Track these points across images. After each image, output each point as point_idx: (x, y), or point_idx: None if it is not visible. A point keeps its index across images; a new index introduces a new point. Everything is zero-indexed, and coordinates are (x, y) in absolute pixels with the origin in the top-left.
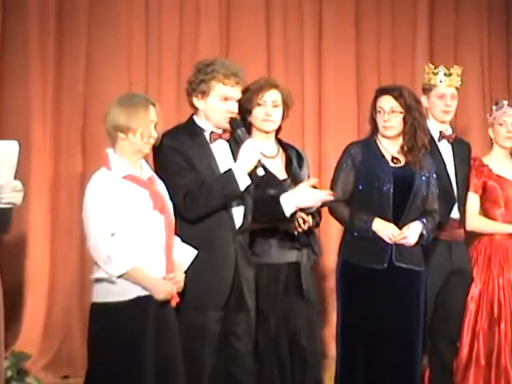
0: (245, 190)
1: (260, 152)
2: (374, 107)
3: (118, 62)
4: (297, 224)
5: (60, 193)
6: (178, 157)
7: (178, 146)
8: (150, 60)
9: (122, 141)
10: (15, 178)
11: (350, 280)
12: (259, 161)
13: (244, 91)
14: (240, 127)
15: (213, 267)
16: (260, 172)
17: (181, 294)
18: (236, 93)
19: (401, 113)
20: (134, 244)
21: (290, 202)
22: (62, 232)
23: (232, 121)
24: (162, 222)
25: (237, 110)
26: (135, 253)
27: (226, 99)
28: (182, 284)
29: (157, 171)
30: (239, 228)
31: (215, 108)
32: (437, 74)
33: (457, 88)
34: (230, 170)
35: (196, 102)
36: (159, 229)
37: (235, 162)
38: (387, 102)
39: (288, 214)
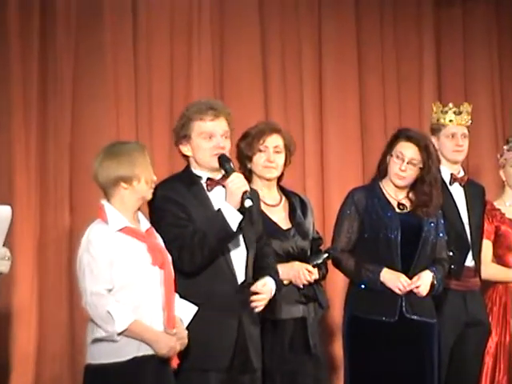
0: (238, 226)
1: (246, 182)
2: (391, 149)
3: (105, 110)
4: (302, 277)
5: (47, 250)
6: (174, 207)
7: (174, 195)
8: (140, 107)
9: (124, 191)
10: (4, 244)
11: (358, 335)
12: (245, 192)
13: (243, 137)
14: (228, 162)
15: (214, 324)
16: (247, 203)
17: (181, 354)
18: (219, 126)
19: (420, 168)
20: (132, 301)
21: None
22: (50, 295)
23: (220, 157)
24: (161, 277)
25: (226, 145)
26: (133, 310)
27: (210, 136)
28: (186, 341)
29: (152, 224)
30: (242, 282)
31: (200, 148)
32: (446, 112)
33: (467, 126)
34: (219, 211)
35: (183, 149)
36: (158, 284)
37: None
38: (409, 151)
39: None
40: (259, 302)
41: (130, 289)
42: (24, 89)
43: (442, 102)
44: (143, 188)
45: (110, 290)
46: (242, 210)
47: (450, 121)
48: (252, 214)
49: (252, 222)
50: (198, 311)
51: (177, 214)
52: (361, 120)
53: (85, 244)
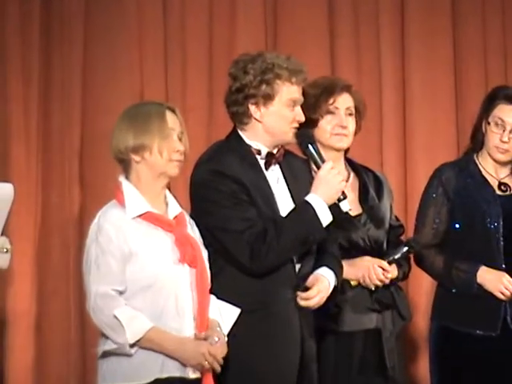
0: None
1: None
2: (487, 115)
3: (126, 61)
4: (374, 276)
5: (50, 239)
6: (232, 185)
7: (228, 170)
8: (171, 59)
9: (137, 165)
10: (2, 233)
11: (449, 352)
12: (343, 192)
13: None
14: (312, 142)
15: (273, 340)
16: (345, 207)
17: (221, 376)
18: (301, 95)
19: None
20: (152, 308)
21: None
22: (54, 297)
23: (301, 133)
24: (191, 278)
25: (303, 119)
26: (154, 319)
27: (294, 105)
28: (226, 348)
29: (195, 210)
30: (299, 281)
31: (283, 117)
32: None
33: None
34: (306, 204)
35: (254, 111)
36: (187, 286)
37: (292, 192)
38: None
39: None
40: (309, 301)
41: (149, 293)
42: (22, 28)
43: None
44: (157, 160)
45: (120, 293)
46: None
47: None
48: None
49: None
50: (243, 317)
51: (235, 193)
52: (455, 74)
53: (94, 232)
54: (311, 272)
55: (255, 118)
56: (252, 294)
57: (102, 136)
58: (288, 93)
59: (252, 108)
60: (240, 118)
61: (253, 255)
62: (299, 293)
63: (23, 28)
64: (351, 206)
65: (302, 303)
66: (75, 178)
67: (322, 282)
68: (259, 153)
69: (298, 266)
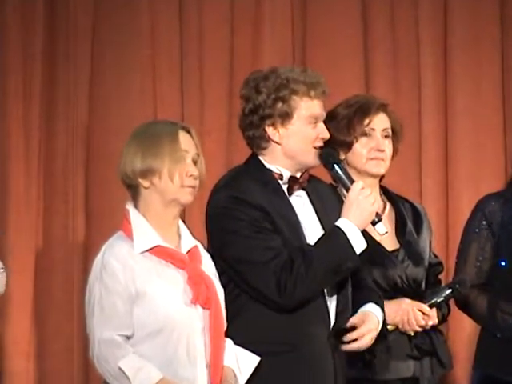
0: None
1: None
2: None
3: (137, 77)
4: (413, 321)
5: (52, 272)
6: (253, 212)
7: (248, 196)
8: (187, 76)
9: (146, 191)
10: None
11: None
12: (377, 213)
13: (331, 117)
14: (337, 162)
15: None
16: (381, 229)
17: None
18: (323, 109)
19: None
20: (162, 355)
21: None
22: (56, 338)
23: (325, 153)
24: (205, 320)
25: (328, 135)
26: (163, 367)
27: (316, 121)
28: None
29: (212, 242)
30: (336, 323)
31: (304, 136)
32: None
33: None
34: (337, 229)
35: (272, 133)
36: (200, 330)
37: (320, 218)
38: None
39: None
40: (359, 342)
41: (159, 338)
42: (24, 41)
43: None
44: (168, 186)
45: (128, 338)
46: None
47: None
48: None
49: None
50: (264, 364)
51: (257, 221)
52: (503, 92)
53: (98, 268)
54: (348, 309)
55: (274, 141)
56: (278, 333)
57: (109, 159)
58: (307, 108)
59: (269, 130)
60: (257, 142)
61: (280, 287)
62: (347, 336)
63: (25, 41)
64: (386, 242)
65: (348, 347)
66: (80, 207)
67: (372, 320)
68: (281, 177)
69: (330, 302)
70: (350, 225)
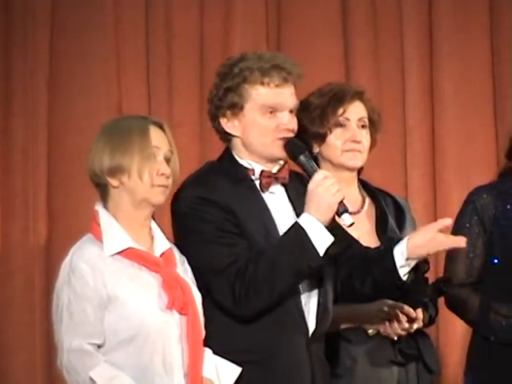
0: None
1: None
2: None
3: (101, 68)
4: (396, 324)
5: (11, 280)
6: (217, 214)
7: (214, 196)
8: (154, 65)
9: (115, 191)
10: None
11: None
12: (342, 202)
13: (304, 107)
14: (303, 152)
15: None
16: (347, 219)
17: None
18: (288, 97)
19: None
20: (136, 364)
21: (414, 254)
22: (15, 349)
23: (289, 143)
24: (182, 327)
25: (294, 126)
26: (138, 376)
27: (272, 111)
28: None
29: (178, 243)
30: (316, 329)
31: (260, 127)
32: None
33: None
34: (298, 228)
35: (226, 125)
36: (177, 337)
37: (298, 215)
38: None
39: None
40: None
41: (132, 346)
42: None
43: None
44: (137, 185)
45: (99, 346)
46: (332, 227)
47: None
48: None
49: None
50: (243, 373)
51: (222, 224)
52: (493, 78)
53: (66, 273)
54: (328, 311)
55: (230, 134)
56: (250, 342)
57: (72, 157)
58: (260, 97)
59: (223, 122)
60: (220, 134)
61: (234, 296)
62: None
63: None
64: (365, 240)
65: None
66: (41, 208)
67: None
68: (254, 173)
69: (307, 306)
70: (311, 219)
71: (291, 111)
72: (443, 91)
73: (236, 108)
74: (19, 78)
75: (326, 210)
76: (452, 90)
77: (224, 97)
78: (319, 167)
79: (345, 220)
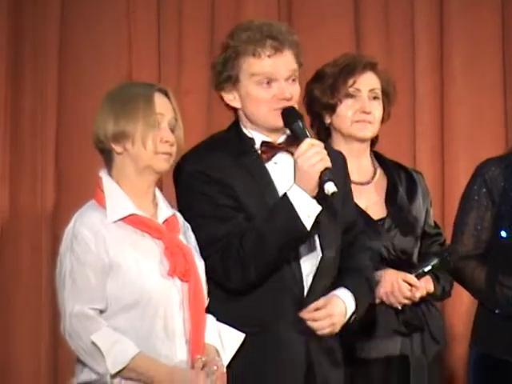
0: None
1: (326, 153)
2: None
3: (112, 35)
4: (397, 293)
5: (18, 244)
6: (212, 188)
7: (211, 170)
8: (165, 32)
9: (119, 157)
10: None
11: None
12: (326, 170)
13: (317, 77)
14: (297, 119)
15: (272, 368)
16: (330, 188)
17: None
18: (282, 65)
19: None
20: (138, 329)
21: None
22: (20, 319)
23: (285, 111)
24: (183, 294)
25: (294, 93)
26: (140, 342)
27: (269, 81)
28: (225, 381)
29: (179, 207)
30: (306, 300)
31: (254, 98)
32: None
33: None
34: (284, 198)
35: (227, 97)
36: (178, 304)
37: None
38: None
39: None
40: (315, 324)
41: (134, 312)
42: None
43: None
44: (141, 152)
45: (101, 312)
46: (319, 197)
47: None
48: (335, 197)
49: (334, 212)
50: (246, 341)
51: (217, 199)
52: (503, 52)
53: (69, 239)
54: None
55: (233, 107)
56: (246, 310)
57: (81, 122)
58: (252, 68)
59: (225, 95)
60: (226, 106)
61: (225, 271)
62: (303, 311)
63: None
64: (373, 211)
65: (309, 324)
66: (49, 171)
67: (336, 305)
68: (255, 143)
69: (309, 276)
70: (297, 190)
71: (290, 78)
72: (453, 65)
73: (233, 81)
74: (30, 40)
75: (308, 179)
76: (461, 65)
77: (222, 71)
78: (327, 141)
79: (328, 189)
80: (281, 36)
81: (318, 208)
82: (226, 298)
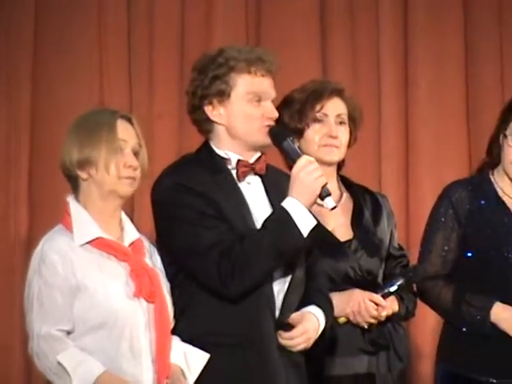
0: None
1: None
2: (505, 126)
3: (83, 62)
4: (364, 312)
5: None
6: (197, 200)
7: (193, 184)
8: (136, 58)
9: (84, 183)
10: None
11: None
12: (325, 186)
13: (285, 102)
14: (286, 138)
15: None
16: (330, 203)
17: None
18: (270, 87)
19: None
20: (104, 350)
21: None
22: None
23: (273, 130)
24: (149, 315)
25: (277, 115)
26: (106, 363)
27: (258, 99)
28: None
29: (158, 231)
30: (280, 316)
31: (246, 115)
32: None
33: None
34: (282, 210)
35: (211, 113)
36: (143, 325)
37: (273, 208)
38: None
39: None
40: (292, 342)
41: (100, 332)
42: None
43: None
44: (104, 177)
45: (68, 333)
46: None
47: None
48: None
49: None
50: (212, 362)
51: (202, 209)
52: (466, 77)
53: (36, 262)
54: (299, 306)
55: (216, 122)
56: (227, 324)
57: (54, 147)
58: (246, 85)
59: (209, 110)
60: (202, 125)
61: (220, 276)
62: (281, 332)
63: None
64: (340, 232)
65: (284, 342)
66: (23, 196)
67: (310, 321)
68: (230, 163)
69: (277, 289)
70: (295, 202)
71: (273, 100)
72: (418, 89)
73: (223, 96)
74: (3, 68)
75: (308, 193)
76: (426, 88)
77: (210, 85)
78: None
79: (327, 203)
80: (271, 59)
81: (314, 221)
82: (210, 306)
